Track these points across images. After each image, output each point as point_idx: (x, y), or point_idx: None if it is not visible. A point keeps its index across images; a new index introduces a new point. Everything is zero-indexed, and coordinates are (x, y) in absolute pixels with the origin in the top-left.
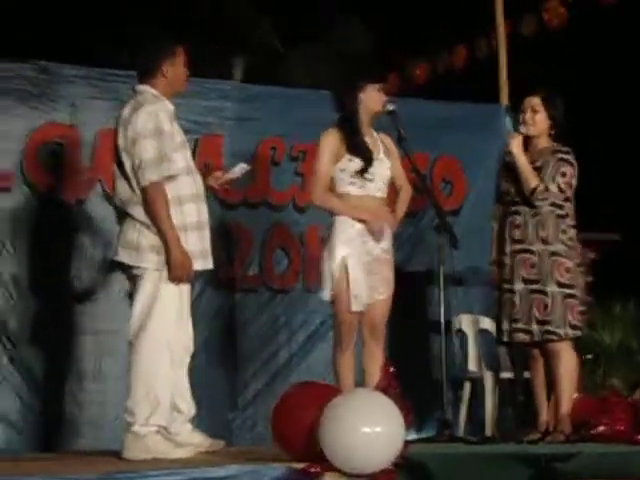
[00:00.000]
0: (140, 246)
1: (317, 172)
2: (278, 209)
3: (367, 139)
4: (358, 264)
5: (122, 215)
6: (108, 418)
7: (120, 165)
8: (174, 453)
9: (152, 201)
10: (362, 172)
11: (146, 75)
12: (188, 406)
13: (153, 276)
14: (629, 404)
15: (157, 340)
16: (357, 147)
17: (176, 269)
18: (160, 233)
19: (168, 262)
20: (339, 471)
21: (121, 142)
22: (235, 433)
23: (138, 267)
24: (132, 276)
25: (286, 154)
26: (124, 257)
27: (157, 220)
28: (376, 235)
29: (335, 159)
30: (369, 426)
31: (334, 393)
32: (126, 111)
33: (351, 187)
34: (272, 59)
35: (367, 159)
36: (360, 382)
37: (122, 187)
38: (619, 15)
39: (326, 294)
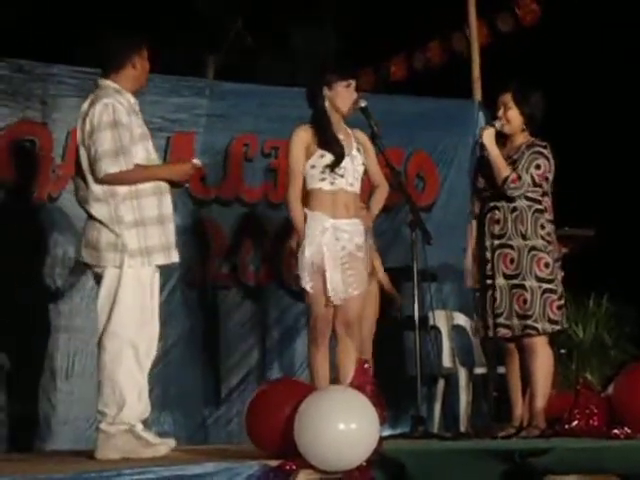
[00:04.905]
0: (99, 245)
1: (292, 171)
2: (251, 205)
3: (340, 135)
4: (333, 259)
5: (87, 214)
6: (81, 417)
7: (77, 161)
8: (144, 452)
9: (120, 182)
10: (333, 167)
11: (112, 69)
12: (143, 406)
13: (112, 274)
14: (603, 399)
15: (120, 338)
16: (328, 141)
17: (179, 178)
18: (155, 178)
19: (172, 181)
20: (314, 468)
21: (79, 136)
22: (209, 430)
23: (99, 266)
24: (95, 275)
25: (258, 150)
26: (86, 257)
27: (144, 180)
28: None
29: (307, 155)
30: (344, 423)
31: (308, 390)
32: (85, 105)
33: (323, 183)
34: (245, 57)
35: (338, 154)
36: (334, 378)
37: (79, 184)
38: (592, 10)
39: (306, 285)
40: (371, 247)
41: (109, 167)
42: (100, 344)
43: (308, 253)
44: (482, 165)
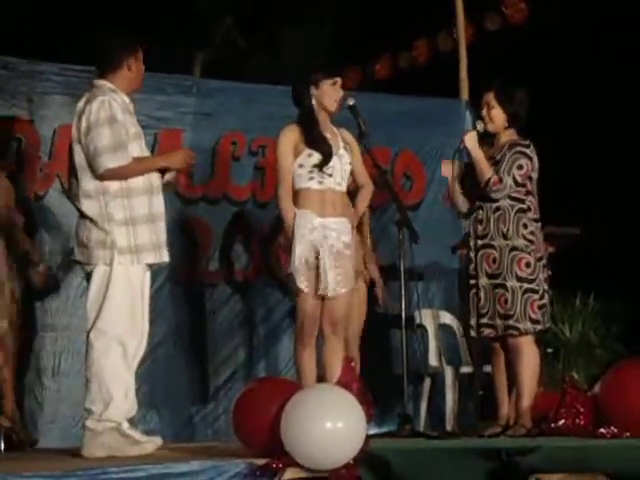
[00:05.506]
0: (89, 242)
1: (281, 170)
2: (238, 204)
3: (327, 134)
4: (324, 256)
5: (78, 212)
6: (68, 415)
7: (71, 158)
8: (131, 450)
9: (121, 176)
10: (321, 166)
11: (108, 69)
12: (130, 404)
13: (102, 272)
14: (589, 398)
15: (108, 336)
16: (315, 141)
17: (177, 165)
18: (154, 168)
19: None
20: (301, 466)
21: (74, 133)
22: (196, 428)
23: (89, 264)
24: (86, 273)
25: (246, 149)
26: (78, 255)
27: (143, 172)
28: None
29: (295, 154)
30: (330, 421)
31: (295, 388)
32: (80, 103)
33: (311, 182)
34: (234, 53)
35: (326, 153)
36: (321, 377)
37: (72, 182)
38: (581, 8)
39: (301, 284)
40: (364, 243)
41: (109, 162)
42: (88, 341)
43: (298, 251)
44: (471, 167)
